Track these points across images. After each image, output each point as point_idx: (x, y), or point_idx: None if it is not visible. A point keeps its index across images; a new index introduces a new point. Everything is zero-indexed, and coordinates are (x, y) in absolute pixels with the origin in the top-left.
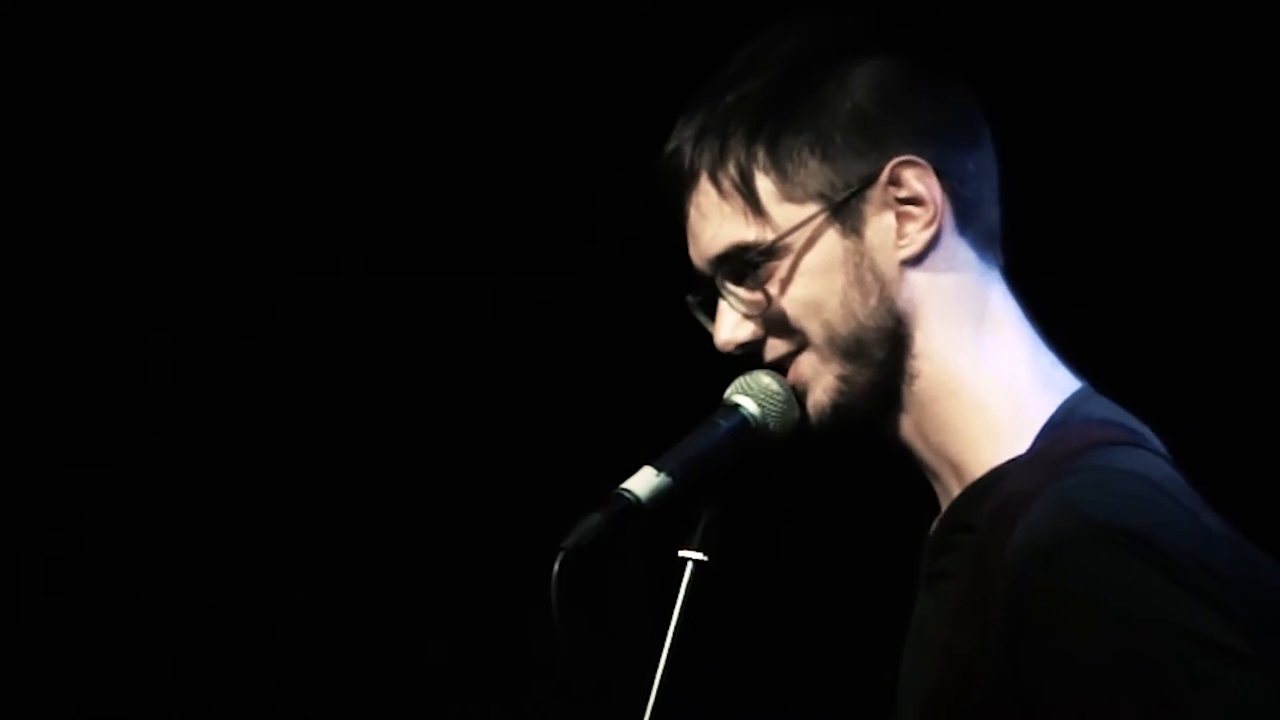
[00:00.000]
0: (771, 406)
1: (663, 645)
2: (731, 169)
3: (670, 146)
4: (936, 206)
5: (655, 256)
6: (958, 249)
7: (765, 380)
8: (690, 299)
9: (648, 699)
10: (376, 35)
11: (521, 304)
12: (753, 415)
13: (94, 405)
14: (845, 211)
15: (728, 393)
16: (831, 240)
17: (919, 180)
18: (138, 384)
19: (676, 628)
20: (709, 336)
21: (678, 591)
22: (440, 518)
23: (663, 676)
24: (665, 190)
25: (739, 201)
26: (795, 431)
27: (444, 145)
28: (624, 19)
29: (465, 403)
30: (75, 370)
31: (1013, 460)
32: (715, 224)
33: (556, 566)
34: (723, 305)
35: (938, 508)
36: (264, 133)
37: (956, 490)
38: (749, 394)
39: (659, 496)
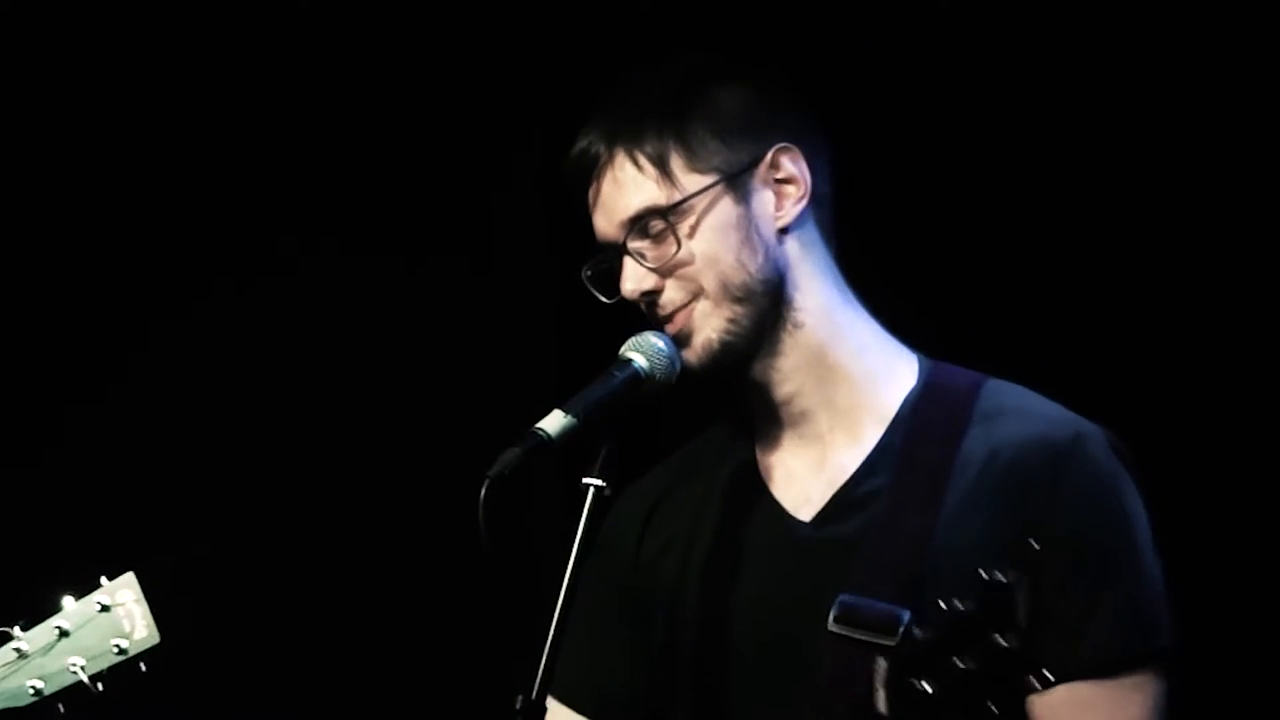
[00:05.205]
0: (657, 361)
1: (569, 553)
2: (648, 148)
3: (580, 146)
4: (806, 185)
5: (569, 243)
6: (815, 229)
7: (653, 340)
8: (584, 273)
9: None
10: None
11: (448, 281)
12: (642, 368)
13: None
14: (737, 184)
15: (622, 350)
16: (727, 206)
17: (793, 163)
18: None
19: (581, 539)
20: (608, 306)
21: (582, 510)
22: (381, 467)
23: (570, 579)
24: (574, 180)
25: (653, 171)
26: (677, 382)
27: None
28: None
29: (406, 367)
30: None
31: (910, 392)
32: (630, 191)
33: (483, 491)
34: (628, 262)
35: None
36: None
37: (826, 430)
38: (639, 351)
39: (567, 434)
